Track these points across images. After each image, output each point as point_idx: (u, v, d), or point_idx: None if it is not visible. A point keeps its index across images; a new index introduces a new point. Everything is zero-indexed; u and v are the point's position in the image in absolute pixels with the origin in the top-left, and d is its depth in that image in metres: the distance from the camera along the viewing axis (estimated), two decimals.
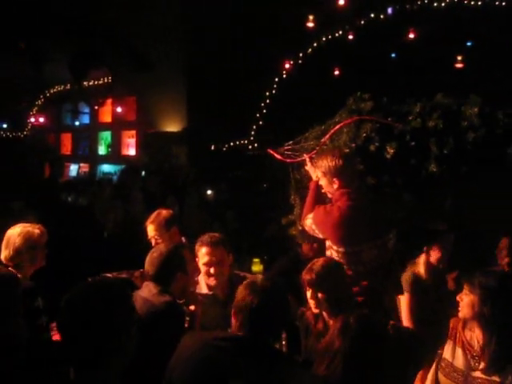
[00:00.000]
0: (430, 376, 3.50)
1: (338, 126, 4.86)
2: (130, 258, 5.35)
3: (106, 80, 13.78)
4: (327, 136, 4.87)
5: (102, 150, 15.99)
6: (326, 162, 4.23)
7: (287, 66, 9.57)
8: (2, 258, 4.12)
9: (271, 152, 5.20)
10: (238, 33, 9.38)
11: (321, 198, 4.45)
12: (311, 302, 3.67)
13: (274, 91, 9.69)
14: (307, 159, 4.71)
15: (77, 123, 16.47)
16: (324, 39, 9.26)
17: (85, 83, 13.10)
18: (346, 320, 2.82)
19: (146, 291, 3.90)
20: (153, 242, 5.00)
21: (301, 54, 9.45)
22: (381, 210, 4.30)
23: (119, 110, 14.15)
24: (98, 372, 2.34)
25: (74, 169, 16.54)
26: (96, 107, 15.18)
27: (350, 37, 8.99)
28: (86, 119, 16.47)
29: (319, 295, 3.60)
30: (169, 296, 3.81)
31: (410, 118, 4.87)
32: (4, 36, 9.56)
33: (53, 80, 14.65)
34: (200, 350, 2.85)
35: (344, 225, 4.11)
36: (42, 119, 16.19)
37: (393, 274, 4.37)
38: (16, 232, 4.17)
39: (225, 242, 4.27)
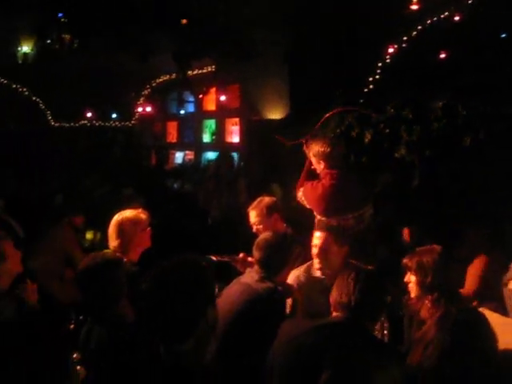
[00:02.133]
0: None
1: (327, 115, 5.89)
2: (233, 245, 5.45)
3: (210, 69, 13.95)
4: (318, 123, 5.90)
5: (206, 138, 16.23)
6: (317, 148, 5.21)
7: (390, 50, 9.36)
8: (115, 244, 4.26)
9: (277, 136, 6.56)
10: (341, 18, 9.25)
11: (313, 175, 5.37)
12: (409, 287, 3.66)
13: (377, 76, 9.49)
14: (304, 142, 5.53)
15: (182, 112, 16.78)
16: (429, 22, 8.96)
17: (189, 72, 13.32)
18: (447, 310, 2.76)
19: (249, 277, 3.97)
20: (254, 228, 5.09)
21: (405, 38, 9.20)
22: (358, 188, 5.15)
23: (223, 98, 14.30)
24: (185, 345, 2.41)
25: (179, 156, 16.90)
26: (200, 96, 15.39)
27: (457, 18, 8.65)
28: (190, 108, 16.76)
29: (413, 279, 3.58)
30: (271, 283, 3.85)
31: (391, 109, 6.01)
32: (112, 28, 9.87)
33: (159, 70, 15.00)
34: (298, 337, 2.88)
35: (325, 199, 5.07)
36: (148, 108, 16.60)
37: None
38: (125, 218, 4.31)
39: (335, 231, 4.29)
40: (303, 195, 5.28)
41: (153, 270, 2.58)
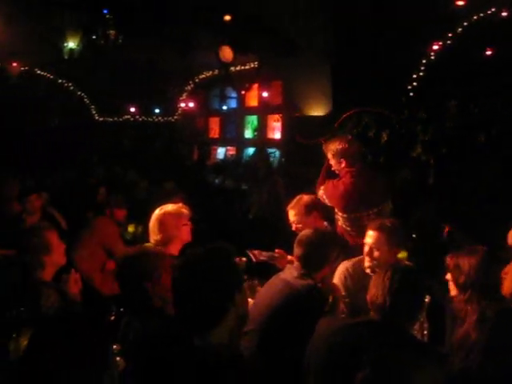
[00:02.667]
0: None
1: (344, 116, 6.44)
2: (273, 240, 5.47)
3: (252, 65, 13.94)
4: (336, 124, 6.39)
5: (248, 134, 16.22)
6: (335, 146, 5.37)
7: (435, 47, 9.22)
8: (157, 238, 4.30)
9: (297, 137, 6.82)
10: (384, 14, 9.15)
11: (331, 174, 5.53)
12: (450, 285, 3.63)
13: (421, 73, 9.37)
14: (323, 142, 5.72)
15: (224, 108, 16.81)
16: (475, 18, 8.79)
17: (232, 69, 13.33)
18: (482, 311, 2.73)
19: (288, 274, 3.98)
20: (293, 226, 5.08)
21: (450, 34, 9.05)
22: (378, 185, 5.36)
23: (265, 94, 14.28)
24: (217, 334, 2.43)
25: (221, 152, 16.93)
26: (243, 92, 15.41)
27: (504, 14, 8.47)
28: (233, 104, 16.77)
29: (451, 277, 3.56)
30: (310, 280, 3.85)
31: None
32: (155, 23, 9.95)
33: (201, 66, 15.06)
34: (332, 335, 2.87)
35: (346, 197, 5.24)
36: (191, 104, 16.68)
37: None
38: (166, 212, 4.35)
39: (387, 230, 4.23)
40: (324, 193, 5.42)
41: (182, 257, 2.61)
